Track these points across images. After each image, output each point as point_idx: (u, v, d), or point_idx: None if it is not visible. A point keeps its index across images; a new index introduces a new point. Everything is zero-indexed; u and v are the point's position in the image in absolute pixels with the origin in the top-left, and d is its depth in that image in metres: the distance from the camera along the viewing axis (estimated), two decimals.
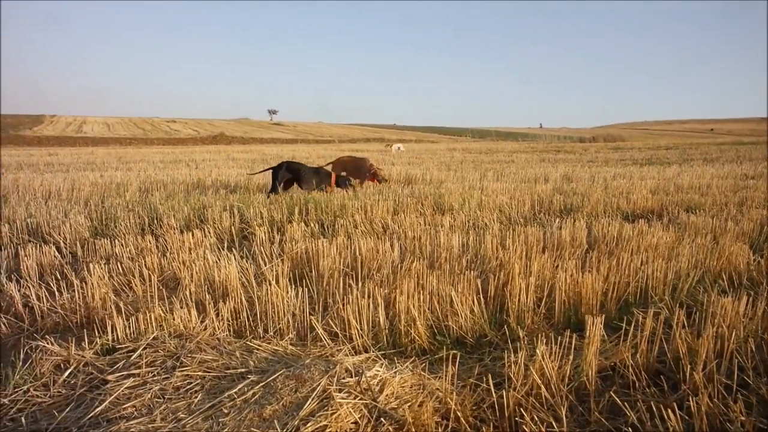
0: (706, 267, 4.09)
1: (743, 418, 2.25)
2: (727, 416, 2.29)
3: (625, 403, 2.31)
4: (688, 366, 2.62)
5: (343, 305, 2.95)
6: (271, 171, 8.39)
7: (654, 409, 2.27)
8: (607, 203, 7.42)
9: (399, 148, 29.27)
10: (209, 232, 5.27)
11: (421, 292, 3.13)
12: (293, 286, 3.26)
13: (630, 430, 2.20)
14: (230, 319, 3.17)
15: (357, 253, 4.10)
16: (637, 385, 2.54)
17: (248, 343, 2.89)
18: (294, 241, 4.63)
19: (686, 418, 2.26)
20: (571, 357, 2.56)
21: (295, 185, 8.32)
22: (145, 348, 2.80)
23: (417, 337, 2.92)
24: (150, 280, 3.70)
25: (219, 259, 3.97)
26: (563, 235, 4.72)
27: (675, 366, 2.70)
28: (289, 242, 4.53)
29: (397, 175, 10.84)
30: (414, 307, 2.95)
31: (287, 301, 3.11)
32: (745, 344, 2.77)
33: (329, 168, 9.10)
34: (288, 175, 8.27)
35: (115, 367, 2.66)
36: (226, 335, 3.05)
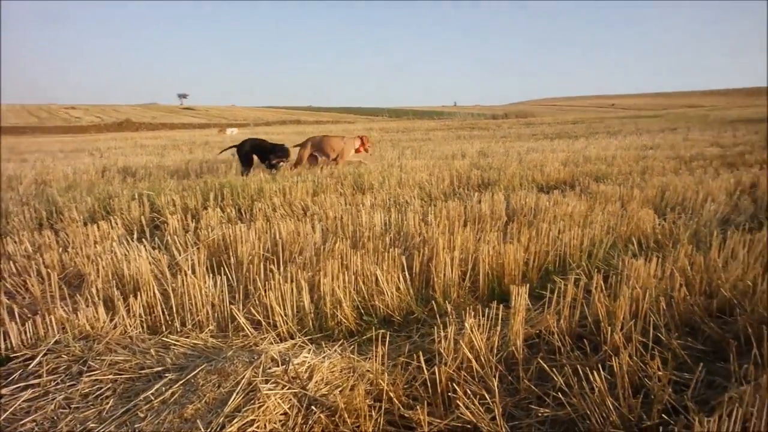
0: (618, 233, 4.27)
1: (660, 373, 2.35)
2: (645, 372, 2.38)
3: (553, 369, 2.35)
4: (608, 328, 2.71)
5: (265, 291, 2.81)
6: (234, 150, 8.70)
7: (580, 371, 2.33)
8: (522, 176, 7.63)
9: (234, 131, 30.29)
10: (116, 224, 4.91)
11: (346, 273, 3.05)
12: (211, 276, 3.08)
13: (558, 394, 2.24)
14: (143, 314, 2.94)
15: (277, 237, 3.95)
16: (562, 350, 2.60)
17: (164, 339, 2.70)
18: (210, 228, 4.39)
19: (609, 378, 2.33)
20: (498, 328, 2.58)
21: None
22: (45, 354, 2.54)
23: (344, 320, 2.84)
24: (50, 279, 3.38)
25: (128, 252, 3.69)
26: (483, 209, 4.78)
27: (596, 329, 2.78)
28: (205, 229, 4.29)
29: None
30: (339, 288, 2.86)
31: (205, 292, 2.92)
32: (657, 303, 2.90)
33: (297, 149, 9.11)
34: (251, 151, 8.45)
35: (9, 379, 2.40)
36: (140, 332, 2.83)
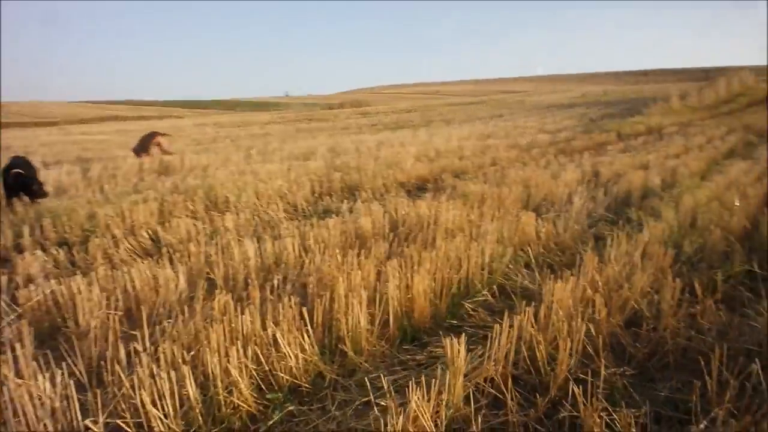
0: (508, 241, 4.09)
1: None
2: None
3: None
4: (549, 371, 2.44)
5: (135, 390, 2.07)
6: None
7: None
8: (385, 176, 7.34)
9: None
10: None
11: (237, 340, 2.41)
12: (45, 368, 2.23)
13: None
14: None
15: (129, 289, 3.13)
16: (507, 402, 2.26)
17: None
18: (31, 281, 3.39)
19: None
20: (435, 386, 2.14)
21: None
22: None
23: (242, 404, 2.21)
24: None
25: None
26: (364, 225, 4.34)
27: (534, 369, 2.50)
28: (24, 286, 3.26)
29: (150, 164, 9.39)
30: (233, 366, 2.22)
31: (38, 395, 2.10)
32: (582, 328, 2.69)
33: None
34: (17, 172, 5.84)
35: None
36: None
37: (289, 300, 2.64)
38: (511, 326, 2.45)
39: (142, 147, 11.32)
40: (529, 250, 4.04)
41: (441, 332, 2.96)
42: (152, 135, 12.16)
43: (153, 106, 56.49)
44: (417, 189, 6.99)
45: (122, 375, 2.13)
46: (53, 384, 2.07)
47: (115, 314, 2.81)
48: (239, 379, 2.20)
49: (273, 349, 2.44)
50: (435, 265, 3.27)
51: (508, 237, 4.12)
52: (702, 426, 2.04)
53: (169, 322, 2.59)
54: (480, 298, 3.33)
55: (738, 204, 5.25)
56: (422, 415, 1.95)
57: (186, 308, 2.71)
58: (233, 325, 2.45)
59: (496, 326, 2.41)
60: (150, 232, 4.54)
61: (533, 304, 2.76)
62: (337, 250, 3.46)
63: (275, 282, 3.00)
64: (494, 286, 3.51)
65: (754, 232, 4.60)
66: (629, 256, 3.56)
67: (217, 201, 5.78)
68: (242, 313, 2.53)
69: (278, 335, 2.42)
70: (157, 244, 4.32)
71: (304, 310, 2.59)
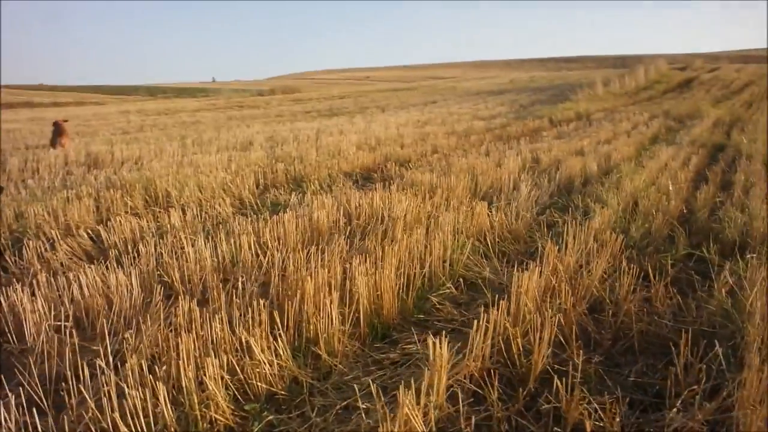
0: (467, 232, 4.12)
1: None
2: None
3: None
4: (525, 363, 2.47)
5: (100, 408, 1.92)
6: None
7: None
8: (329, 166, 7.23)
9: None
10: None
11: (211, 351, 2.28)
12: None
13: None
14: None
15: (77, 296, 2.90)
16: (486, 398, 2.27)
17: None
18: None
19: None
20: (423, 388, 2.11)
21: None
22: None
23: (219, 417, 2.10)
24: None
25: None
26: (320, 219, 4.24)
27: (510, 362, 2.52)
28: None
29: (76, 155, 8.81)
30: (209, 377, 2.10)
31: None
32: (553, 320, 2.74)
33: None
34: None
35: None
36: None
37: (258, 302, 2.52)
38: (487, 321, 2.45)
39: (54, 138, 10.76)
40: (486, 240, 4.08)
41: (411, 328, 2.94)
42: (56, 124, 11.42)
43: (69, 91, 53.06)
44: (363, 179, 6.92)
45: (86, 394, 1.96)
46: (7, 410, 1.89)
47: (66, 325, 2.61)
48: (216, 391, 2.08)
49: (247, 357, 2.33)
50: (398, 260, 3.23)
51: (465, 228, 4.14)
52: (676, 410, 2.12)
53: (130, 333, 2.42)
54: (444, 291, 3.33)
55: (671, 188, 5.54)
56: (414, 419, 1.92)
57: (146, 316, 2.54)
58: (202, 333, 2.32)
59: (475, 322, 2.39)
60: (89, 232, 4.24)
61: (504, 297, 2.78)
62: (298, 247, 3.35)
63: (239, 283, 2.86)
64: (457, 278, 3.53)
65: (690, 216, 4.86)
66: (584, 243, 3.67)
67: (158, 196, 5.49)
68: (210, 319, 2.40)
69: (252, 343, 2.30)
70: (99, 245, 4.04)
71: (275, 312, 2.49)
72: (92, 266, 3.18)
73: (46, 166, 7.84)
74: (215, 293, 2.76)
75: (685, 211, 4.90)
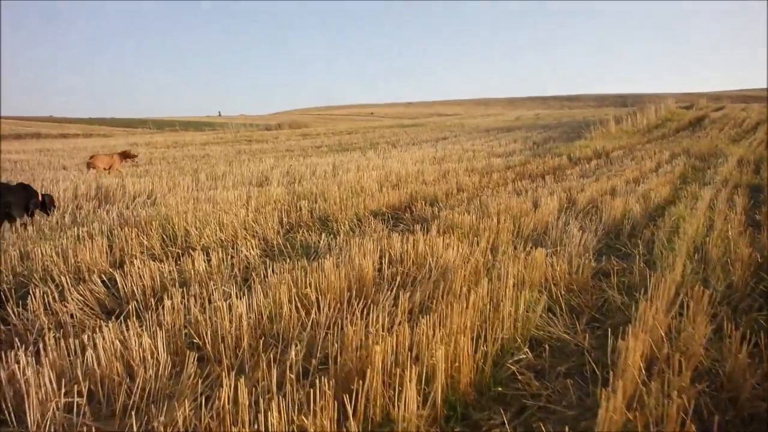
0: (532, 285, 3.64)
1: None
2: None
3: None
4: None
5: None
6: None
7: None
8: (354, 204, 6.80)
9: None
10: None
11: None
12: None
13: None
14: None
15: (92, 364, 2.42)
16: None
17: None
18: None
19: None
20: None
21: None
22: None
23: None
24: None
25: None
26: (363, 267, 3.76)
27: None
28: None
29: (86, 188, 8.39)
30: None
31: None
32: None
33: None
34: None
35: None
36: None
37: (320, 381, 2.04)
38: (606, 409, 1.96)
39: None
40: (551, 293, 3.62)
41: (491, 405, 2.45)
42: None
43: (77, 123, 53.14)
44: (393, 219, 6.48)
45: None
46: None
47: (79, 403, 2.13)
48: None
49: None
50: (469, 320, 2.76)
51: (528, 278, 3.68)
52: None
53: (158, 419, 1.93)
54: (520, 357, 2.85)
55: (731, 233, 5.08)
56: None
57: (177, 391, 2.06)
58: (256, 426, 1.83)
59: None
60: (103, 276, 3.77)
61: (609, 374, 2.29)
62: (354, 304, 2.88)
63: (292, 354, 2.37)
64: (528, 339, 3.05)
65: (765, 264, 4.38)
66: (673, 303, 3.19)
67: (176, 235, 5.03)
68: (262, 402, 1.91)
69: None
70: (114, 293, 3.57)
71: (345, 397, 2.00)
72: (109, 324, 2.70)
73: (56, 200, 7.42)
74: (259, 363, 2.27)
75: (759, 259, 4.42)
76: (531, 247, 4.32)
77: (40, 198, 6.08)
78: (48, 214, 6.11)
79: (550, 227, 5.47)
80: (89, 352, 2.47)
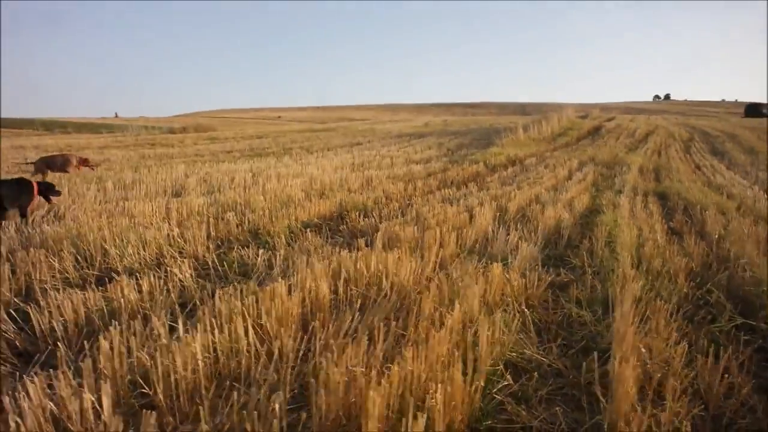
0: (496, 303, 3.52)
1: None
2: None
3: None
4: None
5: None
6: None
7: None
8: (286, 216, 6.44)
9: None
10: None
11: None
12: None
13: None
14: None
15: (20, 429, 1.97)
16: None
17: None
18: None
19: None
20: None
21: None
22: None
23: None
24: None
25: None
26: (320, 290, 3.47)
27: None
28: None
29: None
30: None
31: None
32: None
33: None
34: None
35: None
36: None
37: None
38: None
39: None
40: (515, 310, 3.51)
41: None
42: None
43: None
44: (328, 230, 6.20)
45: None
46: None
47: None
48: None
49: None
50: (454, 348, 2.57)
51: (491, 296, 3.55)
52: None
53: None
54: (502, 384, 2.70)
55: (661, 242, 5.29)
56: None
57: None
58: None
59: None
60: (13, 313, 3.21)
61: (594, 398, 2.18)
62: (318, 335, 2.59)
63: (256, 398, 2.05)
64: (504, 364, 2.91)
65: (704, 273, 4.53)
66: (643, 320, 3.17)
67: (93, 256, 4.46)
68: None
69: None
70: (28, 332, 3.03)
71: None
72: (33, 376, 2.24)
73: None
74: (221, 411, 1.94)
75: (695, 268, 4.60)
76: (487, 262, 4.22)
77: (36, 192, 6.10)
78: (49, 202, 6.42)
79: (490, 238, 5.43)
80: (8, 415, 2.02)
